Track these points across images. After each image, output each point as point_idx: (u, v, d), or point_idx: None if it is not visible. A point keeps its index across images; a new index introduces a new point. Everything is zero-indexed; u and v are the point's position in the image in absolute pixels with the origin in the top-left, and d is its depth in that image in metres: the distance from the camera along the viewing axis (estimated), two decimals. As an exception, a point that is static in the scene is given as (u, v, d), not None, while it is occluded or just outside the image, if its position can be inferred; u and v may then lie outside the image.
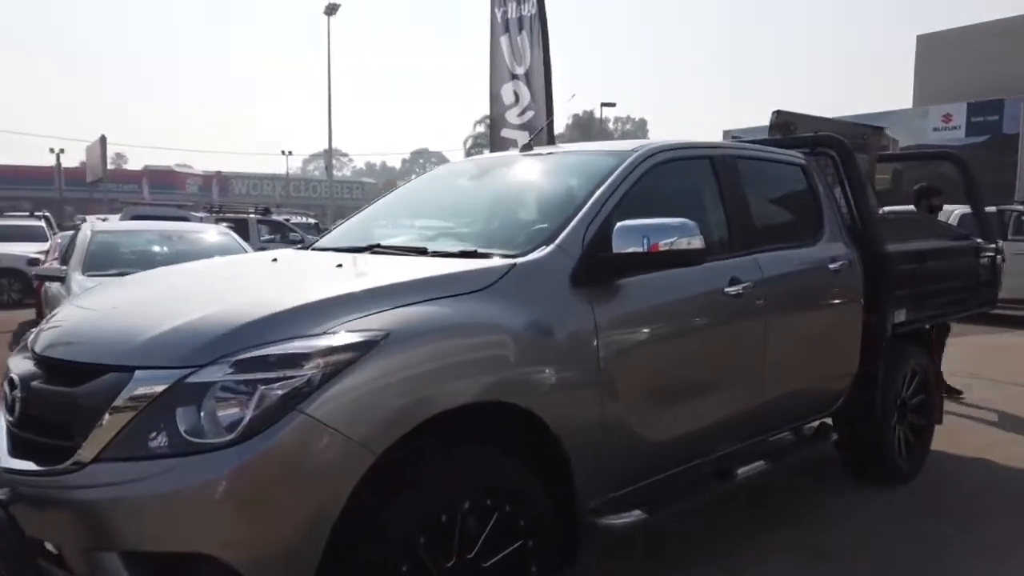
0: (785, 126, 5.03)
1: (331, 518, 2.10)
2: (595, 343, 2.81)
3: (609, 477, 2.95)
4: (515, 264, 2.76)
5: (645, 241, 2.87)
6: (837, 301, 4.17)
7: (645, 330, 3.06)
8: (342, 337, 2.20)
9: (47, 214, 19.31)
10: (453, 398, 2.34)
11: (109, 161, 34.17)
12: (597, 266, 2.90)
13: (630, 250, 2.87)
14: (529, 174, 3.75)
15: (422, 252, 3.09)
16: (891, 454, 4.53)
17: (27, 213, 20.24)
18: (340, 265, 3.02)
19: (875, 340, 4.37)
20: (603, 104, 51.55)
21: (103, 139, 32.21)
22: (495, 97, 8.84)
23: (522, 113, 8.71)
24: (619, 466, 2.98)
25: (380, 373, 2.19)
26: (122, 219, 13.35)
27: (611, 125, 79.40)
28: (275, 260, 3.48)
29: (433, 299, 2.48)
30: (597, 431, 2.82)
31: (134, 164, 64.48)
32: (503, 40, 8.74)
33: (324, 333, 2.20)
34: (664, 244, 2.89)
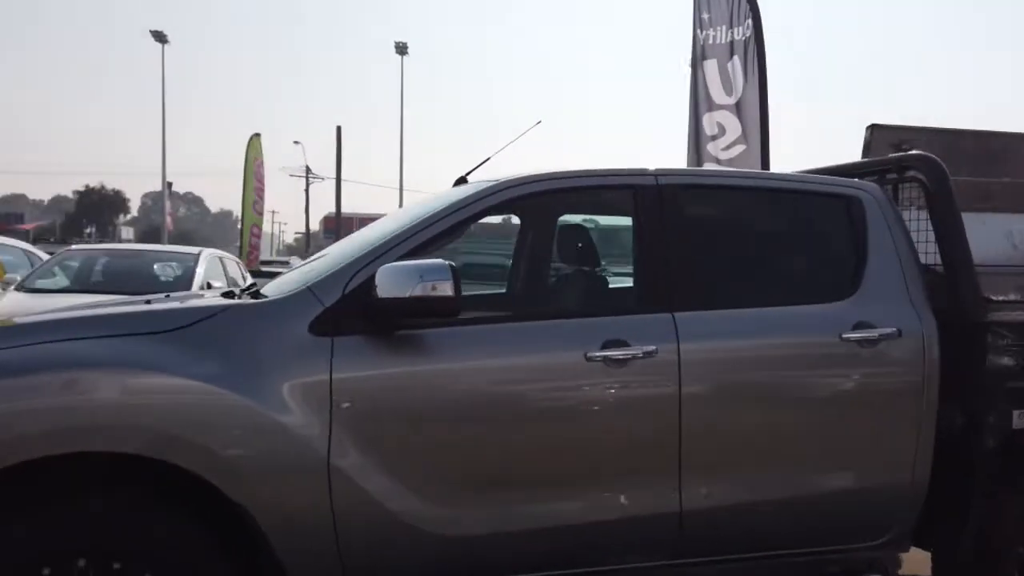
0: (897, 146, 3.72)
1: None
2: (328, 404, 2.34)
3: (359, 567, 2.41)
4: (228, 306, 2.44)
5: (420, 285, 2.35)
6: (863, 383, 2.91)
7: (434, 395, 2.47)
8: None
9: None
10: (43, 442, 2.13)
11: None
12: (349, 314, 2.42)
13: (393, 295, 2.36)
14: (403, 214, 3.25)
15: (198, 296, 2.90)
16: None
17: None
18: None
19: (965, 452, 2.95)
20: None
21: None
22: (695, 127, 8.01)
23: (729, 147, 7.75)
24: (373, 557, 2.42)
25: None
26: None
27: None
28: None
29: (96, 337, 2.29)
30: (322, 507, 2.33)
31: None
32: (708, 66, 7.90)
33: None
34: (419, 290, 2.32)
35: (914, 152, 3.32)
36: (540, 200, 3.00)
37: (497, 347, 2.59)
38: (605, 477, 2.66)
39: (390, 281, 2.35)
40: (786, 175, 3.16)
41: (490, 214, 2.78)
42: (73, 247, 10.83)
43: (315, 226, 49.22)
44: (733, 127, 7.77)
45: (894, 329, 2.89)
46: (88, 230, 52.00)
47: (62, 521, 2.19)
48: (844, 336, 2.84)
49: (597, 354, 2.58)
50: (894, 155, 3.41)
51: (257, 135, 16.89)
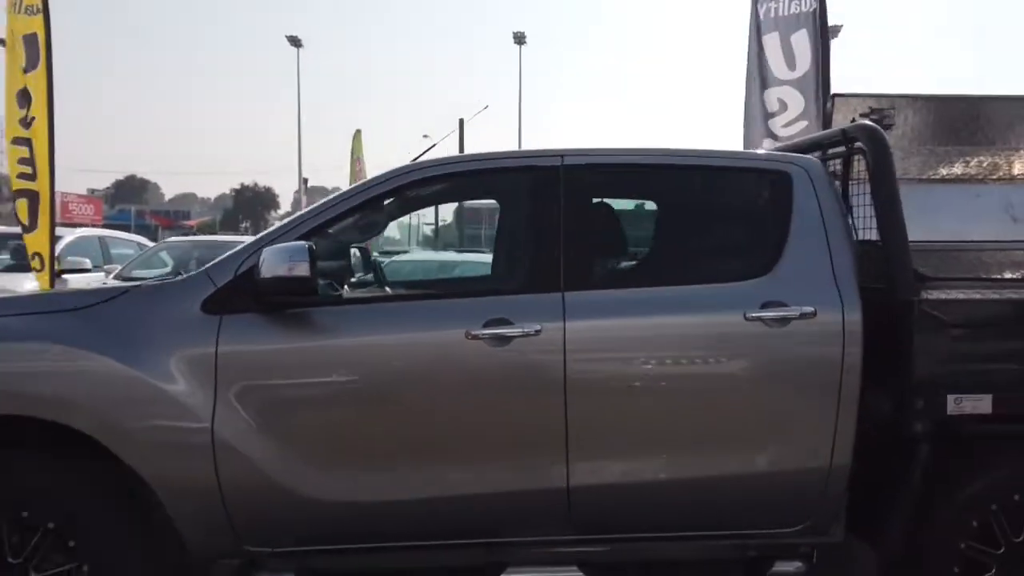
0: (866, 115, 3.50)
1: None
2: (212, 379, 2.56)
3: (250, 529, 2.63)
4: (130, 288, 2.70)
5: (284, 266, 2.53)
6: (771, 364, 2.79)
7: (299, 372, 2.64)
8: None
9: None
10: None
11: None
12: (239, 294, 2.63)
13: (266, 275, 2.55)
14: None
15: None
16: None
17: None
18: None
19: (894, 439, 2.79)
20: None
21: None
22: (754, 103, 7.68)
23: (790, 124, 7.39)
24: (260, 521, 2.62)
25: None
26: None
27: None
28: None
29: (24, 314, 2.63)
30: (205, 473, 2.55)
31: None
32: (769, 40, 7.55)
33: None
34: (283, 270, 2.50)
35: (857, 123, 3.13)
36: (441, 185, 3.08)
37: (378, 325, 2.71)
38: (490, 451, 2.72)
39: (266, 262, 2.53)
40: (709, 152, 3.04)
41: (385, 200, 2.91)
42: (169, 239, 11.81)
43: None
44: (796, 103, 7.40)
45: (809, 308, 2.77)
46: (244, 224, 56.01)
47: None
48: (750, 315, 2.75)
49: (479, 332, 2.65)
50: (842, 127, 3.22)
51: (359, 131, 17.66)
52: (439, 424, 2.71)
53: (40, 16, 5.77)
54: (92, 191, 49.75)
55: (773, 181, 2.96)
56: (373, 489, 2.66)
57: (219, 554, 2.68)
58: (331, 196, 2.91)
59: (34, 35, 5.77)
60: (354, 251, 3.39)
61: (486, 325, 2.66)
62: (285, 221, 2.83)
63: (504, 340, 2.66)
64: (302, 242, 2.54)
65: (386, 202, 2.92)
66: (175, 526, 2.58)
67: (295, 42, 33.41)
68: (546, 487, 2.71)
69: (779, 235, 2.90)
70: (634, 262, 2.97)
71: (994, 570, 2.83)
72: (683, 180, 3.04)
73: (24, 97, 5.84)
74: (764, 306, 2.76)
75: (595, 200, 2.97)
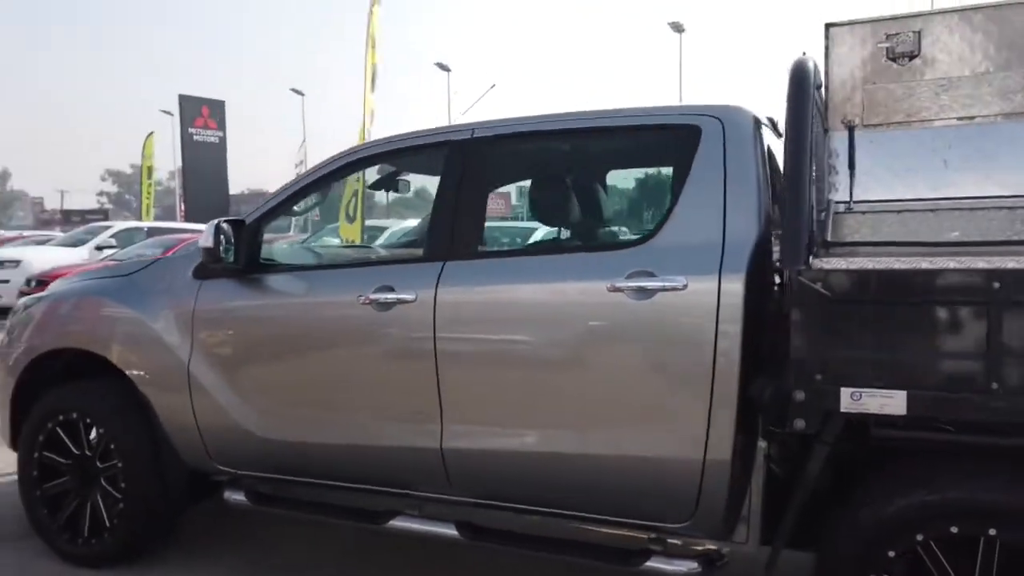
0: (894, 40, 2.83)
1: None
2: (190, 330, 3.27)
3: (216, 451, 3.27)
4: (158, 259, 3.51)
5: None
6: (632, 339, 2.53)
7: (238, 326, 3.19)
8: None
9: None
10: (51, 341, 3.52)
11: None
12: (206, 263, 3.28)
13: (200, 246, 3.17)
14: None
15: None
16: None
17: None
18: None
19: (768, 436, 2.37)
20: None
21: None
22: None
23: None
24: (221, 444, 3.25)
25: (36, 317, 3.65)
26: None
27: None
28: None
29: (92, 278, 3.64)
30: (185, 400, 3.27)
31: None
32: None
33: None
34: (203, 242, 3.10)
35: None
36: (377, 163, 3.31)
37: (296, 289, 3.14)
38: (379, 408, 2.96)
39: (201, 237, 3.13)
40: (620, 111, 2.76)
41: (333, 179, 3.29)
42: None
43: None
44: None
45: (678, 280, 2.47)
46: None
47: (63, 393, 3.57)
48: (613, 286, 2.55)
49: (368, 297, 2.92)
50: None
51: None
52: (340, 379, 3.04)
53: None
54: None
55: (679, 138, 2.65)
56: (295, 432, 3.11)
57: (203, 468, 3.37)
58: (294, 177, 3.39)
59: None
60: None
61: (376, 291, 2.91)
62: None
63: (387, 306, 2.88)
64: (218, 220, 3.07)
65: (335, 179, 3.31)
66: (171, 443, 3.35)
67: (677, 28, 33.82)
68: (425, 446, 2.86)
69: (672, 198, 2.61)
70: (528, 230, 2.89)
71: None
72: (588, 144, 2.88)
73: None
74: (631, 276, 2.54)
75: (502, 170, 2.97)
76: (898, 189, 2.84)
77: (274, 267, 3.24)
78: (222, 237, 3.03)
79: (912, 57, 2.78)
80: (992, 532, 2.12)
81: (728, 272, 2.41)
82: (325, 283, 3.15)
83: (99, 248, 13.48)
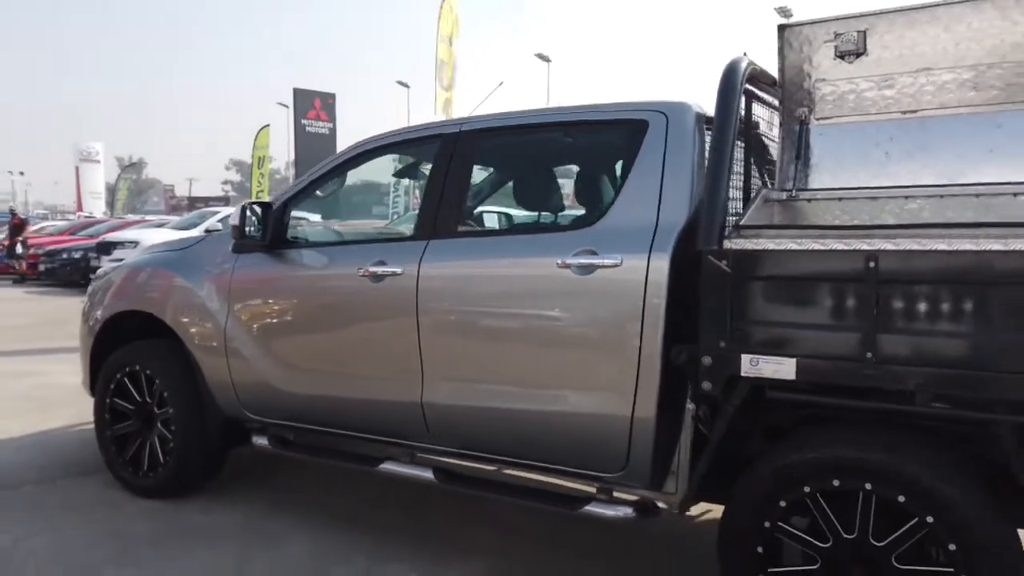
0: (841, 39, 3.03)
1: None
2: (227, 298, 3.84)
3: (247, 403, 3.82)
4: (206, 236, 4.09)
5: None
6: (576, 311, 2.86)
7: (263, 293, 3.71)
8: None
9: None
10: (121, 304, 4.17)
11: None
12: (235, 239, 3.82)
13: (231, 225, 3.72)
14: None
15: None
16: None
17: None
18: None
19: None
20: None
21: None
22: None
23: None
24: (251, 397, 3.79)
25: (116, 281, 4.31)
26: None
27: None
28: None
29: (158, 251, 4.26)
30: (222, 358, 3.83)
31: None
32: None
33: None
34: (232, 221, 3.64)
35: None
36: (386, 153, 3.73)
37: (311, 262, 3.63)
38: (376, 366, 3.41)
39: (230, 216, 3.67)
40: (584, 107, 3.09)
41: (349, 167, 3.74)
42: None
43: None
44: None
45: (614, 258, 2.80)
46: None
47: (129, 349, 4.21)
48: (563, 262, 2.90)
49: (367, 270, 3.38)
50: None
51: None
52: (344, 341, 3.51)
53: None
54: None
55: (631, 131, 2.96)
56: (309, 386, 3.61)
57: (237, 417, 3.92)
58: (317, 165, 3.88)
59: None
60: None
61: (373, 265, 3.37)
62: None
63: (380, 278, 3.33)
64: (246, 202, 3.59)
65: (351, 167, 3.77)
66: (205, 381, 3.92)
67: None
68: (409, 400, 3.29)
69: (619, 185, 2.93)
70: (504, 214, 3.25)
71: (819, 563, 2.47)
72: (554, 138, 3.21)
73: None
74: (577, 254, 2.88)
75: (480, 161, 3.34)
76: (843, 178, 3.04)
77: (296, 243, 3.75)
78: (249, 216, 3.56)
79: (858, 55, 2.98)
80: (868, 487, 2.35)
81: (656, 251, 2.71)
82: (334, 257, 3.63)
83: (208, 231, 14.71)
